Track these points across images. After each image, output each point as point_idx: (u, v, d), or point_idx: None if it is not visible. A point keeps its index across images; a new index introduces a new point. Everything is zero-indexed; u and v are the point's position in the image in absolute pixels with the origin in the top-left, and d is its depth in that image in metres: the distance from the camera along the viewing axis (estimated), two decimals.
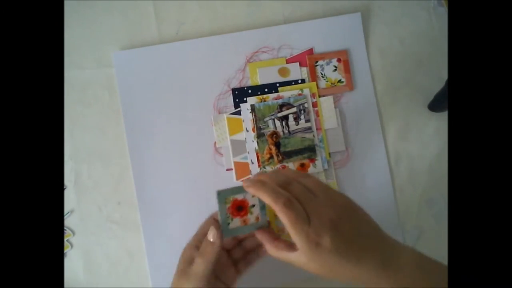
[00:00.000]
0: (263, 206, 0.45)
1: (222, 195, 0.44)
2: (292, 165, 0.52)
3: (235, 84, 0.54)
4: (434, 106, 0.54)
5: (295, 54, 0.55)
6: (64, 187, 0.53)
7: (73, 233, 0.52)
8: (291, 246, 0.37)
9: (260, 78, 0.54)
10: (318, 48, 0.55)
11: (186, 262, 0.43)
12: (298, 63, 0.55)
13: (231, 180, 0.53)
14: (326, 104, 0.54)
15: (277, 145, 0.52)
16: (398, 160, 0.54)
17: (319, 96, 0.54)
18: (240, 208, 0.44)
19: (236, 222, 0.45)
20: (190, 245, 0.44)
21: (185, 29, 0.56)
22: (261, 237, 0.41)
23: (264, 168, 0.52)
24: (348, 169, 0.54)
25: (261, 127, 0.52)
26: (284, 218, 0.36)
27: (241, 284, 0.52)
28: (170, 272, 0.52)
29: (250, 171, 0.53)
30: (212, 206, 0.53)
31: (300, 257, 0.36)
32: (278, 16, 0.56)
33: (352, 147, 0.54)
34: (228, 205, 0.45)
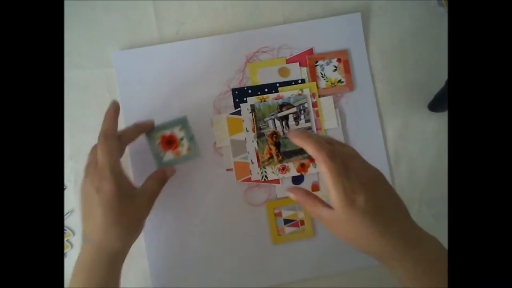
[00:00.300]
0: (191, 137, 0.49)
1: (149, 133, 0.49)
2: (292, 165, 0.52)
3: (235, 84, 0.54)
4: (434, 106, 0.54)
5: (295, 54, 0.55)
6: (64, 187, 0.53)
7: (73, 233, 0.52)
8: (327, 204, 0.38)
9: (260, 78, 0.54)
10: (318, 48, 0.55)
11: (90, 164, 0.44)
12: (298, 63, 0.55)
13: (231, 180, 0.53)
14: (326, 104, 0.54)
15: (277, 145, 0.52)
16: (398, 160, 0.54)
17: (319, 96, 0.54)
18: (170, 142, 0.48)
19: (169, 155, 0.49)
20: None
21: (185, 29, 0.56)
22: (297, 193, 0.41)
23: (264, 168, 0.52)
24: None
25: (261, 127, 0.52)
26: (325, 169, 0.37)
27: (241, 284, 0.52)
28: (170, 272, 0.52)
29: (250, 171, 0.53)
30: (212, 206, 0.53)
31: (333, 214, 0.37)
32: (278, 16, 0.56)
33: (352, 147, 0.54)
34: (158, 141, 0.49)
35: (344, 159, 0.38)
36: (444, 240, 0.53)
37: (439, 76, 0.55)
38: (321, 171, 0.37)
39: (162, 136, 0.50)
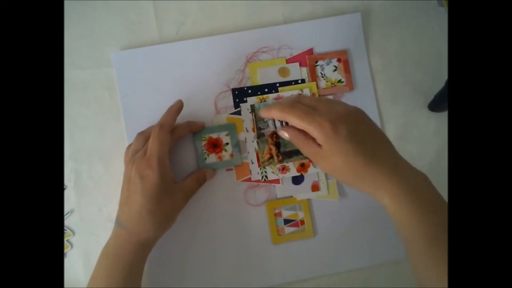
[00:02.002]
0: (235, 144, 0.51)
1: (198, 132, 0.51)
2: (292, 165, 0.52)
3: (235, 84, 0.54)
4: (434, 106, 0.54)
5: (295, 54, 0.55)
6: (64, 187, 0.53)
7: (73, 233, 0.52)
8: (316, 142, 0.39)
9: (260, 78, 0.54)
10: (318, 48, 0.55)
11: (136, 151, 0.46)
12: (298, 63, 0.55)
13: (231, 180, 0.53)
14: None
15: (277, 145, 0.52)
16: None
17: (319, 96, 0.54)
18: (215, 145, 0.50)
19: (212, 158, 0.51)
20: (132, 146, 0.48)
21: (185, 29, 0.56)
22: (288, 130, 0.43)
23: (264, 168, 0.52)
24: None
25: (261, 127, 0.52)
26: (292, 118, 0.38)
27: (241, 284, 0.52)
28: (169, 272, 0.52)
29: (250, 171, 0.53)
30: (212, 206, 0.53)
31: (321, 150, 0.38)
32: (278, 16, 0.56)
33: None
34: (204, 142, 0.51)
35: (312, 104, 0.40)
36: None
37: (439, 76, 0.55)
38: (295, 125, 0.39)
39: (209, 138, 0.52)
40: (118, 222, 0.45)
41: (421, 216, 0.36)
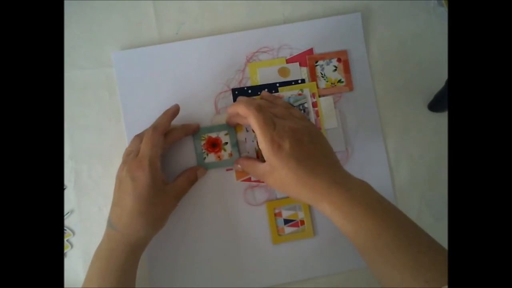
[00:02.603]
0: (235, 144, 0.52)
1: (197, 132, 0.52)
2: None
3: (235, 84, 0.54)
4: (434, 106, 0.54)
5: (295, 54, 0.55)
6: (64, 187, 0.53)
7: (73, 233, 0.52)
8: (263, 161, 0.42)
9: (260, 78, 0.54)
10: (318, 48, 0.55)
11: (130, 152, 0.47)
12: (298, 63, 0.55)
13: (231, 180, 0.53)
14: (326, 104, 0.54)
15: None
16: (398, 160, 0.54)
17: (319, 96, 0.54)
18: (214, 145, 0.51)
19: (211, 157, 0.52)
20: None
21: (185, 29, 0.56)
22: (239, 161, 0.49)
23: None
24: (348, 169, 0.53)
25: None
26: (253, 121, 0.41)
27: (241, 284, 0.52)
28: (170, 272, 0.52)
29: None
30: (212, 206, 0.53)
31: (266, 166, 0.41)
32: (278, 16, 0.56)
33: (352, 147, 0.54)
34: (203, 142, 0.51)
35: (275, 112, 0.42)
36: (444, 240, 0.53)
37: (439, 76, 0.55)
38: (252, 126, 0.41)
39: (208, 138, 0.52)
40: (110, 223, 0.45)
41: (361, 221, 0.38)
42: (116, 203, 0.45)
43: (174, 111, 0.49)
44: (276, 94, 0.54)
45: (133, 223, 0.43)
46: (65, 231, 0.52)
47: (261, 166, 0.43)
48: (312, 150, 0.41)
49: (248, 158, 0.47)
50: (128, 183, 0.43)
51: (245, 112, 0.42)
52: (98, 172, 0.53)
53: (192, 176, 0.50)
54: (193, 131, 0.51)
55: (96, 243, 0.51)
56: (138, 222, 0.43)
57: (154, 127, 0.46)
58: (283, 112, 0.44)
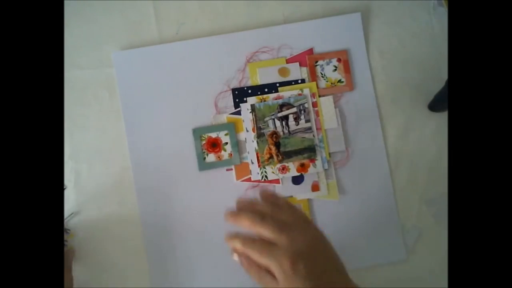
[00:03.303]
0: (235, 144, 0.52)
1: (197, 132, 0.52)
2: (292, 165, 0.52)
3: (235, 84, 0.54)
4: (434, 106, 0.54)
5: (295, 54, 0.55)
6: (64, 187, 0.53)
7: (74, 233, 0.52)
8: (271, 274, 0.38)
9: (260, 78, 0.54)
10: (318, 48, 0.55)
11: None
12: (298, 63, 0.55)
13: (231, 180, 0.53)
14: (326, 104, 0.54)
15: (277, 145, 0.52)
16: (398, 160, 0.54)
17: (319, 96, 0.54)
18: (214, 145, 0.51)
19: (211, 157, 0.52)
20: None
21: (185, 29, 0.56)
22: (241, 261, 0.41)
23: (264, 168, 0.52)
24: (348, 169, 0.54)
25: (261, 127, 0.52)
26: (254, 249, 0.38)
27: (241, 284, 0.52)
28: (170, 272, 0.52)
29: (250, 171, 0.53)
30: (212, 206, 0.53)
31: (278, 285, 0.37)
32: (278, 16, 0.56)
33: (352, 147, 0.54)
34: (204, 142, 0.51)
35: (283, 219, 0.39)
36: (444, 240, 0.53)
37: (439, 76, 0.55)
38: (255, 253, 0.38)
39: (208, 138, 0.52)
40: None
41: None
42: None
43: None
44: (276, 94, 0.54)
45: None
46: (65, 232, 0.52)
47: (271, 282, 0.38)
48: (327, 266, 0.38)
49: (250, 261, 0.40)
50: None
51: (251, 228, 0.39)
52: (98, 172, 0.53)
53: None
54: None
55: (96, 243, 0.51)
56: None
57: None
58: (289, 219, 0.40)
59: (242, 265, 0.41)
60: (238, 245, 0.40)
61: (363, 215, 0.53)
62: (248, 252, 0.39)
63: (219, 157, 0.52)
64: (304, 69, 0.55)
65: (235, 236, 0.40)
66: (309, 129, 0.53)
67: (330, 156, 0.53)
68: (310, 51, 0.55)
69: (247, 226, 0.39)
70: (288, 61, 0.55)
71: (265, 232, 0.38)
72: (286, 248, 0.37)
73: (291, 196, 0.53)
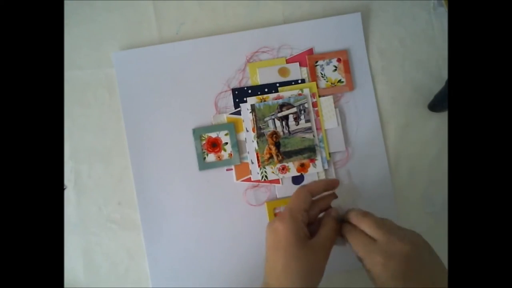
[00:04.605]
0: (235, 144, 0.52)
1: (197, 132, 0.52)
2: (292, 165, 0.52)
3: (235, 84, 0.54)
4: (434, 106, 0.54)
5: (295, 54, 0.55)
6: (64, 187, 0.53)
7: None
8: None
9: (260, 78, 0.54)
10: (318, 48, 0.55)
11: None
12: (298, 63, 0.55)
13: (231, 180, 0.53)
14: (326, 104, 0.54)
15: (277, 145, 0.52)
16: (398, 160, 0.54)
17: (319, 96, 0.54)
18: (214, 145, 0.51)
19: (211, 157, 0.52)
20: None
21: (185, 29, 0.56)
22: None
23: (264, 168, 0.52)
24: (348, 169, 0.54)
25: (261, 127, 0.52)
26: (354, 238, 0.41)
27: (241, 284, 0.52)
28: (170, 272, 0.52)
29: (250, 171, 0.53)
30: (212, 206, 0.53)
31: (377, 248, 0.39)
32: (278, 16, 0.56)
33: (352, 147, 0.54)
34: (204, 142, 0.52)
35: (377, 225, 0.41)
36: (444, 240, 0.53)
37: (439, 76, 0.55)
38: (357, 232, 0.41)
39: (208, 138, 0.52)
40: (265, 280, 0.42)
41: None
42: (266, 257, 0.42)
43: (331, 183, 0.46)
44: (276, 94, 0.54)
45: (280, 277, 0.40)
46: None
47: (374, 247, 0.40)
48: (423, 273, 0.37)
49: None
50: (268, 234, 0.41)
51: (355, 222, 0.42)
52: (98, 172, 0.53)
53: (335, 225, 0.45)
54: (334, 186, 0.47)
55: (96, 243, 0.51)
56: (283, 276, 0.40)
57: (304, 185, 0.44)
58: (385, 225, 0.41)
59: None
60: (354, 218, 0.42)
61: None
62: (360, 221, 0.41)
63: (219, 157, 0.52)
64: (304, 69, 0.55)
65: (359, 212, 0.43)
66: (309, 129, 0.53)
67: (330, 156, 0.53)
68: (310, 51, 0.55)
69: (368, 228, 0.41)
70: (288, 61, 0.55)
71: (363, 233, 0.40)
72: (383, 245, 0.39)
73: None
